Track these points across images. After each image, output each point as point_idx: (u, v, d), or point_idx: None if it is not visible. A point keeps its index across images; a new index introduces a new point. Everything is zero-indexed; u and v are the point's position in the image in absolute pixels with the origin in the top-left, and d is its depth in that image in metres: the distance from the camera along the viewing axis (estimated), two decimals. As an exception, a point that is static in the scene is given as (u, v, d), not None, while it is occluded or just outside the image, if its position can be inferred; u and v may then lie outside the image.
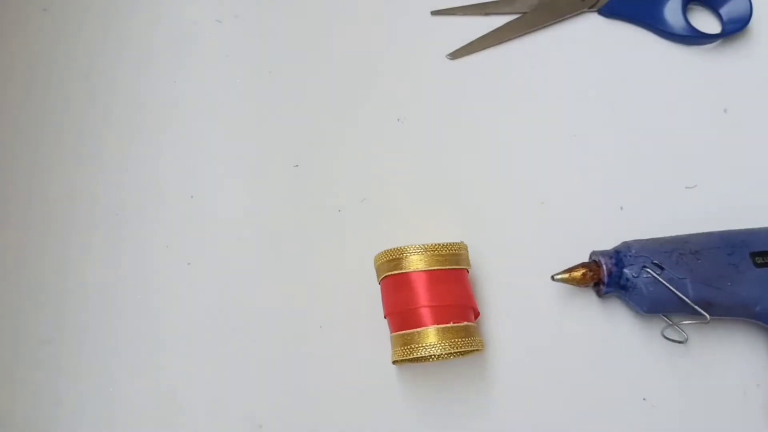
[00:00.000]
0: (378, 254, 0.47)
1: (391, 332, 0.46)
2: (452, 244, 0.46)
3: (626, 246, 0.47)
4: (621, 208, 0.52)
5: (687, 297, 0.45)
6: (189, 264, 0.53)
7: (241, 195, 0.54)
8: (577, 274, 0.48)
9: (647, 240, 0.47)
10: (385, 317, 0.47)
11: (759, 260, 0.46)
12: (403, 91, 0.57)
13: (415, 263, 0.45)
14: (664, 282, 0.45)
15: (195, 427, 0.49)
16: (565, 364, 0.49)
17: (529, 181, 0.54)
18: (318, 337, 0.50)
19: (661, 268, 0.46)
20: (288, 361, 0.50)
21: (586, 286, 0.48)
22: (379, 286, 0.48)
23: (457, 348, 0.44)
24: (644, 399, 0.48)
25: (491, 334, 0.50)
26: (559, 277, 0.48)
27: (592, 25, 0.58)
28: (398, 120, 0.56)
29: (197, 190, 0.55)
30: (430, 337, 0.44)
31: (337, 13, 0.60)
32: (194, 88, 0.58)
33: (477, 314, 0.47)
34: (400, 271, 0.45)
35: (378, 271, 0.47)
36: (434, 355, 0.45)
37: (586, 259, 0.49)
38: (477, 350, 0.46)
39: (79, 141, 0.56)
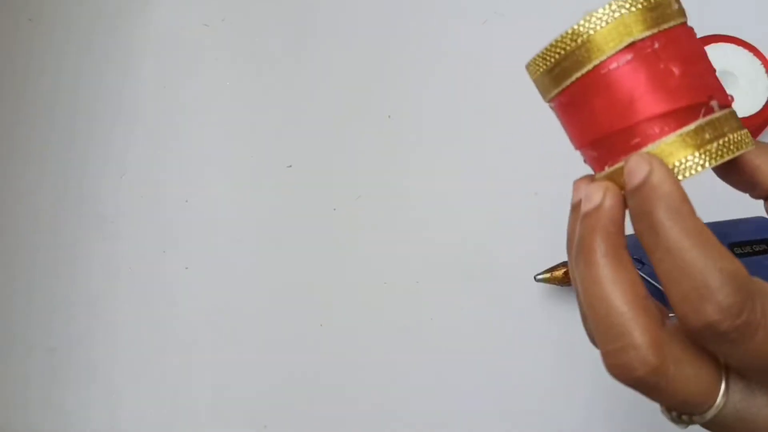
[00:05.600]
0: (536, 60, 0.28)
1: (600, 168, 0.27)
2: None
3: None
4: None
5: None
6: (187, 268, 0.53)
7: (236, 197, 0.55)
8: (559, 273, 0.47)
9: (627, 235, 0.44)
10: (581, 148, 0.28)
11: (738, 251, 0.44)
12: (392, 87, 0.57)
13: (608, 40, 0.25)
14: (646, 277, 0.43)
15: (200, 430, 0.49)
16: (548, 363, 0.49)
17: (522, 172, 0.54)
18: (318, 335, 0.51)
19: (641, 263, 0.44)
20: (290, 360, 0.50)
21: (569, 285, 0.47)
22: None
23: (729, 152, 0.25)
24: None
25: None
26: (541, 277, 0.47)
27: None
28: (389, 117, 0.56)
29: (192, 193, 0.55)
30: (682, 149, 0.25)
31: (324, 13, 0.60)
32: (184, 92, 0.58)
33: None
34: (588, 68, 0.25)
35: (545, 85, 0.28)
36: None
37: None
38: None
39: (72, 149, 0.56)
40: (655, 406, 0.27)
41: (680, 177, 0.25)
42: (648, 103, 0.25)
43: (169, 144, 0.56)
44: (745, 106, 0.51)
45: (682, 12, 0.26)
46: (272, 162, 0.55)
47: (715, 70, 0.27)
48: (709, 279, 0.22)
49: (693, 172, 0.25)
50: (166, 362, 0.51)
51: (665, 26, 0.25)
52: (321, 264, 0.52)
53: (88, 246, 0.54)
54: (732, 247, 0.44)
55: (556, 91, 0.27)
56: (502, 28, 0.56)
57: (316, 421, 0.49)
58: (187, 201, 0.55)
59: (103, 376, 0.51)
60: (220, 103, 0.57)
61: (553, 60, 0.26)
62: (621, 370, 0.23)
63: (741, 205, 0.50)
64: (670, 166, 0.25)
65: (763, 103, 0.50)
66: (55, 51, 0.59)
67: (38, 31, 0.60)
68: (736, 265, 0.23)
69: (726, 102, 0.26)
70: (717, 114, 0.26)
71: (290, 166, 0.55)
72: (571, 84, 0.26)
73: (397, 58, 0.58)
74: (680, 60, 0.25)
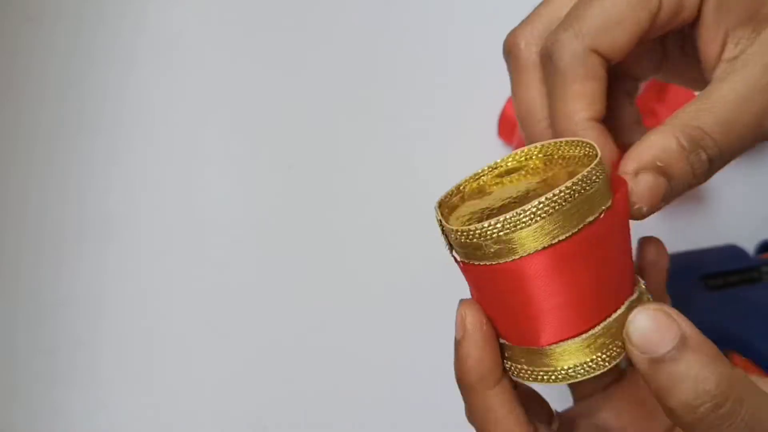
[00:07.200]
0: (454, 225, 0.27)
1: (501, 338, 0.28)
2: (584, 176, 0.24)
3: None
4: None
5: None
6: (187, 268, 0.53)
7: (236, 197, 0.55)
8: None
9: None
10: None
11: (711, 283, 0.41)
12: (392, 87, 0.57)
13: (530, 241, 0.24)
14: None
15: (200, 430, 0.49)
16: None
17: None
18: (319, 335, 0.51)
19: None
20: (290, 361, 0.50)
21: None
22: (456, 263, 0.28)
23: (608, 361, 0.25)
24: None
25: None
26: None
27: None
28: (389, 117, 0.56)
29: (192, 193, 0.55)
30: (567, 357, 0.25)
31: (324, 13, 0.60)
32: (184, 92, 0.58)
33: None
34: (503, 261, 0.25)
35: (457, 245, 0.27)
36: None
37: None
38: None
39: (70, 149, 0.56)
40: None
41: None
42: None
43: (169, 144, 0.56)
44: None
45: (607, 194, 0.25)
46: (273, 162, 0.55)
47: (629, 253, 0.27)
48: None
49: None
50: (165, 362, 0.51)
51: (589, 219, 0.24)
52: (321, 264, 0.53)
53: (87, 246, 0.54)
54: (704, 279, 0.42)
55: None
56: (502, 28, 0.56)
57: (316, 421, 0.49)
58: (187, 201, 0.55)
59: (102, 377, 0.51)
60: (220, 103, 0.57)
61: (476, 237, 0.25)
62: None
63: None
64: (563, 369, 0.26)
65: None
66: (54, 50, 0.59)
67: (37, 31, 0.60)
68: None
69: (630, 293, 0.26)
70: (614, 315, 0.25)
71: (291, 167, 0.55)
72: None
73: (398, 58, 0.58)
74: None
